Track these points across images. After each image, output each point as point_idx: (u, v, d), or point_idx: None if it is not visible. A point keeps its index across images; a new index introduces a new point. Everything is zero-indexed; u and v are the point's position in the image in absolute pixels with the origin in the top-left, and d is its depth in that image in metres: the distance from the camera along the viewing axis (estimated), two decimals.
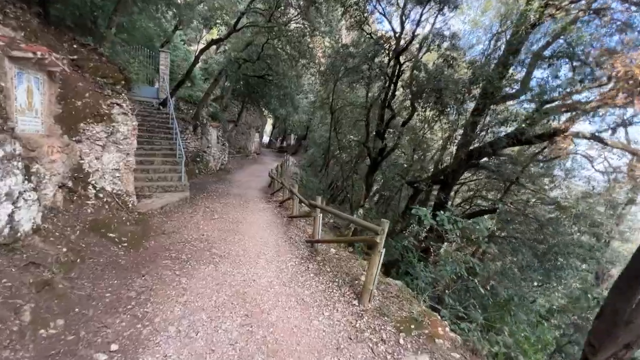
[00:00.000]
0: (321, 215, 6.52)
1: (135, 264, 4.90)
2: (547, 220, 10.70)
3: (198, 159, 16.50)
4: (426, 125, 13.29)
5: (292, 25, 14.78)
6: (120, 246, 5.21)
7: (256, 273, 5.21)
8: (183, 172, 10.42)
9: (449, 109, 9.95)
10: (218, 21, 13.01)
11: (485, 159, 10.22)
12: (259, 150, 32.13)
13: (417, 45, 11.11)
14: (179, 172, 10.69)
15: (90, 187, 5.63)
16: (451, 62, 9.80)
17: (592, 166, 10.45)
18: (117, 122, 6.28)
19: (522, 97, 9.52)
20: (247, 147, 28.78)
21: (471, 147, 9.68)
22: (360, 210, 10.90)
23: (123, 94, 6.55)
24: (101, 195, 5.87)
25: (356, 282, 5.02)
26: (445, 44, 10.78)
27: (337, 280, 5.11)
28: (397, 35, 10.81)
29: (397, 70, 10.75)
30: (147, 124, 12.80)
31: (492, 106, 9.53)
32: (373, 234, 4.02)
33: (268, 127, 44.89)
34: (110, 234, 5.32)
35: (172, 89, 14.90)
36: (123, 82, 6.67)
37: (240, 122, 26.95)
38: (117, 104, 6.29)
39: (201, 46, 31.03)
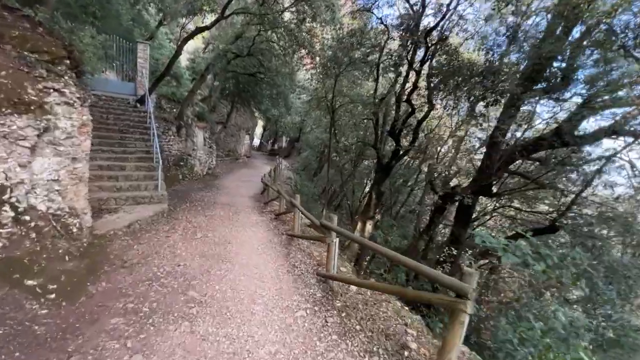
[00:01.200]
0: (337, 240, 4.81)
1: (62, 330, 3.11)
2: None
3: (182, 163, 14.60)
4: (447, 124, 11.86)
5: (287, 16, 13.13)
6: (43, 300, 3.41)
7: (251, 336, 3.47)
8: (160, 179, 8.58)
9: (480, 100, 8.31)
10: (205, 7, 11.24)
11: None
12: (250, 153, 30.25)
13: (441, 27, 9.51)
14: (156, 180, 8.84)
15: (5, 208, 3.79)
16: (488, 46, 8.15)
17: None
18: (56, 114, 4.46)
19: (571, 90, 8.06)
20: (236, 150, 26.88)
21: (504, 147, 8.16)
22: (369, 225, 9.28)
23: (67, 77, 4.72)
24: (26, 218, 4.03)
25: (407, 354, 3.31)
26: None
27: (374, 347, 3.41)
28: (418, 12, 8.99)
29: (427, 53, 8.85)
30: (121, 123, 10.91)
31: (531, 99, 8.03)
32: (454, 297, 2.34)
33: (258, 130, 42.99)
34: (30, 281, 3.51)
35: (152, 84, 13.02)
36: (67, 61, 4.83)
37: (230, 124, 25.07)
38: (56, 90, 4.47)
39: (187, 46, 29.11)
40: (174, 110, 15.63)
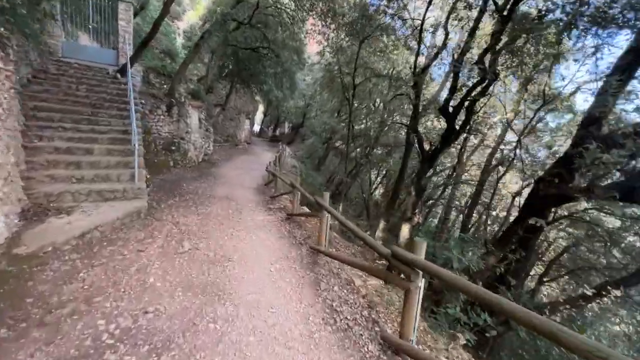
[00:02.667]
0: (423, 283, 2.67)
1: None
2: None
3: (173, 148, 12.37)
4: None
5: None
6: None
7: None
8: (137, 166, 6.38)
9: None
10: None
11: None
12: (250, 140, 27.93)
13: None
14: (133, 167, 6.66)
15: None
16: None
17: None
18: None
19: None
20: (236, 135, 24.54)
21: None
22: (406, 228, 7.22)
23: None
24: None
25: None
26: None
27: None
28: None
29: None
30: (94, 95, 8.62)
31: None
32: None
33: (258, 116, 40.44)
34: None
35: (135, 50, 10.65)
36: None
37: (229, 106, 22.66)
38: None
39: (184, 24, 26.36)
40: (165, 86, 13.29)
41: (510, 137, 12.06)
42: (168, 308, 3.19)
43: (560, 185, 5.55)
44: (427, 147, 8.21)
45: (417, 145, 8.02)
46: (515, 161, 9.86)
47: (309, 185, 17.18)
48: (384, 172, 16.73)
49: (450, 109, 6.79)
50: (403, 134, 18.90)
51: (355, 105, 15.37)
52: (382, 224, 9.71)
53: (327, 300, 3.75)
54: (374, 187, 17.39)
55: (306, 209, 9.29)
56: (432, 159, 7.49)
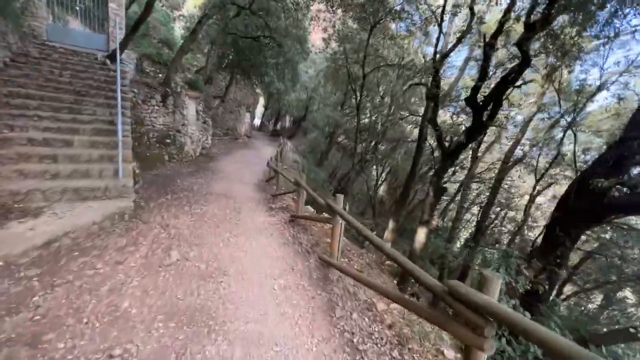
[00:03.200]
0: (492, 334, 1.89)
1: None
2: None
3: (168, 141, 11.56)
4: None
5: None
6: None
7: None
8: (120, 161, 5.58)
9: None
10: None
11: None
12: (250, 133, 27.05)
13: None
14: (118, 163, 5.86)
15: None
16: None
17: None
18: None
19: None
20: (236, 128, 23.67)
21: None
22: (422, 233, 6.45)
23: None
24: None
25: None
26: None
27: None
28: None
29: None
30: (80, 82, 7.80)
31: None
32: None
33: (259, 109, 39.48)
34: None
35: (126, 34, 9.78)
36: None
37: (228, 98, 21.78)
38: None
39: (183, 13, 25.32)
40: (160, 75, 12.43)
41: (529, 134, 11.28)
42: (142, 348, 2.43)
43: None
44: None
45: (435, 140, 7.20)
46: (537, 159, 9.10)
47: (312, 181, 16.42)
48: (389, 168, 15.92)
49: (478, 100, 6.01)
50: (409, 128, 18.09)
51: (364, 95, 14.39)
52: (391, 224, 8.96)
53: (345, 332, 3.00)
54: (378, 183, 16.57)
55: (310, 208, 8.54)
56: (453, 155, 6.69)
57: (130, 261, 3.80)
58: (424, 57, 9.90)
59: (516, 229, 10.53)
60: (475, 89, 6.10)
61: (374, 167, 18.03)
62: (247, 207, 7.37)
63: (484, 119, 5.96)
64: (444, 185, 6.83)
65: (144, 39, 13.90)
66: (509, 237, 9.96)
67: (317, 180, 17.05)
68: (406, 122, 17.57)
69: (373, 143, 15.21)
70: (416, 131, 17.41)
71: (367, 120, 21.87)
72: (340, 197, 4.05)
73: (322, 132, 21.82)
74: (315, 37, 18.61)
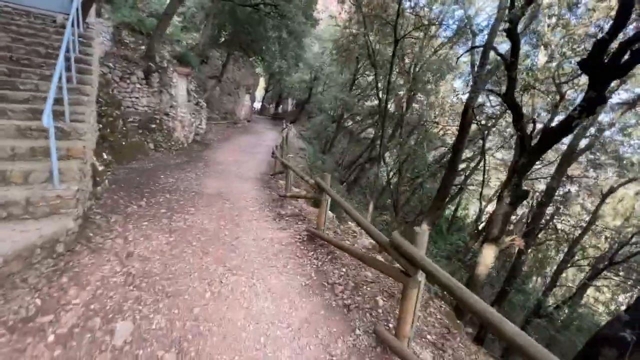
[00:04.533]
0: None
1: None
2: None
3: (153, 126, 9.61)
4: None
5: None
6: None
7: None
8: (54, 159, 3.67)
9: None
10: None
11: None
12: (250, 117, 24.91)
13: None
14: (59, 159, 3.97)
15: None
16: None
17: None
18: None
19: None
20: (234, 112, 21.56)
21: None
22: (491, 252, 4.55)
23: None
24: None
25: None
26: None
27: None
28: None
29: None
30: (22, 48, 5.78)
31: None
32: None
33: (259, 92, 37.02)
34: None
35: None
36: None
37: (225, 78, 19.57)
38: None
39: None
40: (142, 47, 10.30)
41: None
42: None
43: None
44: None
45: (515, 128, 5.23)
46: None
47: (319, 170, 14.52)
48: (405, 157, 13.98)
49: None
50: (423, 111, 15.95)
51: (383, 70, 12.01)
52: (425, 227, 7.22)
53: None
54: (391, 175, 14.57)
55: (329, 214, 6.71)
56: (542, 148, 4.83)
57: (32, 353, 2.00)
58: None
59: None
60: (601, 45, 4.13)
61: (390, 156, 16.08)
62: (249, 214, 5.54)
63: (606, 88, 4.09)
64: (525, 189, 4.97)
65: (124, 4, 11.65)
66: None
67: (326, 170, 15.14)
68: (420, 105, 15.51)
69: (391, 130, 13.17)
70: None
71: (376, 102, 19.76)
72: (424, 235, 2.24)
73: (329, 116, 19.73)
74: (322, 3, 16.24)
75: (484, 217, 16.72)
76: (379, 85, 11.19)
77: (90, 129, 5.18)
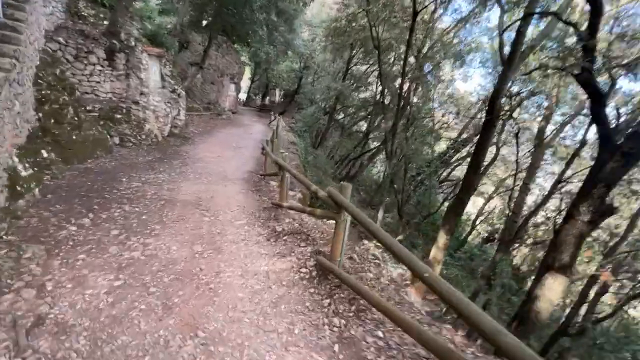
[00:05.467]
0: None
1: None
2: None
3: (119, 116, 7.99)
4: None
5: None
6: None
7: None
8: None
9: None
10: None
11: None
12: (236, 108, 23.12)
13: None
14: None
15: None
16: None
17: None
18: None
19: None
20: (218, 102, 19.81)
21: None
22: (559, 286, 3.49)
23: None
24: None
25: None
26: None
27: None
28: None
29: None
30: None
31: None
32: None
33: (245, 82, 34.99)
34: None
35: None
36: None
37: (208, 64, 17.79)
38: None
39: None
40: (105, 22, 8.56)
41: None
42: None
43: None
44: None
45: (597, 122, 4.02)
46: None
47: (318, 169, 13.20)
48: (411, 152, 12.78)
49: None
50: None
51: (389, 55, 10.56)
52: (442, 238, 6.03)
53: None
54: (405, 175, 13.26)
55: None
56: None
57: None
58: None
59: None
60: None
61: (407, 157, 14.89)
62: (234, 231, 4.20)
63: None
64: (611, 203, 3.84)
65: None
66: None
67: (319, 167, 13.83)
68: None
69: (391, 122, 11.93)
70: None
71: (370, 93, 18.43)
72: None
73: (320, 108, 18.33)
74: None
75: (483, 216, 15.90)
76: (405, 70, 9.55)
77: (10, 117, 3.68)
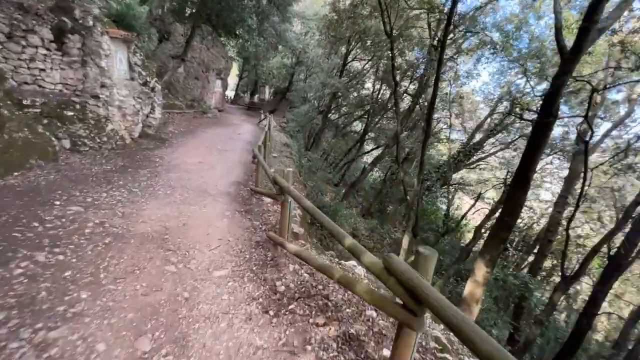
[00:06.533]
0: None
1: None
2: None
3: (71, 114, 6.27)
4: None
5: None
6: None
7: None
8: None
9: None
10: None
11: None
12: (223, 106, 21.28)
13: None
14: None
15: None
16: None
17: None
18: None
19: None
20: (203, 99, 17.98)
21: None
22: None
23: None
24: None
25: None
26: None
27: None
28: None
29: None
30: None
31: None
32: None
33: (232, 79, 33.02)
34: None
35: None
36: None
37: (191, 57, 15.99)
38: None
39: None
40: None
41: None
42: None
43: None
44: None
45: None
46: None
47: (312, 173, 11.73)
48: (405, 155, 11.49)
49: None
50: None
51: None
52: (481, 269, 4.67)
53: None
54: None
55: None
56: None
57: None
58: None
59: None
60: None
61: (389, 156, 13.44)
62: (212, 296, 2.68)
63: None
64: None
65: None
66: None
67: (314, 170, 12.32)
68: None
69: (399, 123, 10.46)
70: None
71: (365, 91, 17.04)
72: None
73: (315, 106, 16.79)
74: None
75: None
76: (441, 66, 7.85)
77: None
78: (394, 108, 16.10)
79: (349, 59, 15.63)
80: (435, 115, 16.22)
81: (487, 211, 18.07)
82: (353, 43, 14.35)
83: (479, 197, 11.92)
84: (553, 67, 7.89)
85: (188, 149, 8.66)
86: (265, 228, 4.35)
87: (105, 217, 3.73)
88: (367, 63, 15.37)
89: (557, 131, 10.04)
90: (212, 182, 6.10)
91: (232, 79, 33.00)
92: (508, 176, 9.27)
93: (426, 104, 9.75)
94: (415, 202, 7.43)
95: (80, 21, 6.59)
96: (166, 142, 9.04)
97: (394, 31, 8.22)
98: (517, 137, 9.82)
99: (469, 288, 4.95)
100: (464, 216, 13.09)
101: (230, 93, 31.65)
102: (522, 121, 8.51)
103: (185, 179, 6.00)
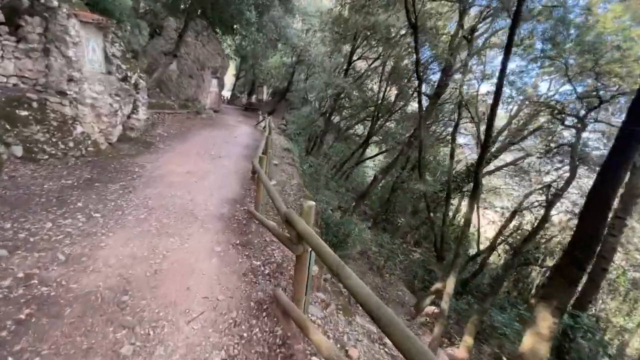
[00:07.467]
0: None
1: None
2: None
3: (26, 113, 5.01)
4: None
5: None
6: None
7: None
8: None
9: None
10: None
11: None
12: (219, 107, 20.00)
13: None
14: None
15: None
16: None
17: None
18: None
19: None
20: (197, 99, 16.69)
21: None
22: None
23: None
24: None
25: None
26: None
27: None
28: None
29: None
30: None
31: None
32: None
33: (229, 79, 31.69)
34: None
35: None
36: None
37: (185, 55, 14.75)
38: None
39: None
40: None
41: None
42: None
43: None
44: None
45: None
46: None
47: (316, 181, 10.57)
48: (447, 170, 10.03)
49: None
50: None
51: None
52: (548, 323, 3.56)
53: None
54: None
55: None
56: None
57: None
58: None
59: None
60: None
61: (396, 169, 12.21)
62: None
63: None
64: None
65: None
66: None
67: (317, 177, 11.12)
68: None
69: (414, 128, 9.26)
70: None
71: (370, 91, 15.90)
72: None
73: (317, 108, 15.60)
74: None
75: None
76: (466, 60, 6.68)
77: None
78: (402, 109, 14.96)
79: (354, 57, 14.48)
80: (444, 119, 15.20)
81: (495, 219, 17.05)
82: (359, 40, 13.22)
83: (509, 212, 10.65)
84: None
85: (175, 156, 7.42)
86: (269, 272, 3.16)
87: (37, 266, 2.51)
88: (374, 62, 14.26)
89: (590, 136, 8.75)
90: (201, 200, 4.88)
91: (229, 79, 31.66)
92: (550, 191, 8.14)
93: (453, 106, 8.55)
94: (441, 221, 6.31)
95: (42, 0, 5.35)
96: (152, 146, 7.79)
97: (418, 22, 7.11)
98: (556, 145, 8.69)
99: (529, 342, 3.81)
100: (478, 228, 12.03)
101: (226, 93, 30.30)
102: (563, 128, 7.45)
103: (167, 195, 4.77)
